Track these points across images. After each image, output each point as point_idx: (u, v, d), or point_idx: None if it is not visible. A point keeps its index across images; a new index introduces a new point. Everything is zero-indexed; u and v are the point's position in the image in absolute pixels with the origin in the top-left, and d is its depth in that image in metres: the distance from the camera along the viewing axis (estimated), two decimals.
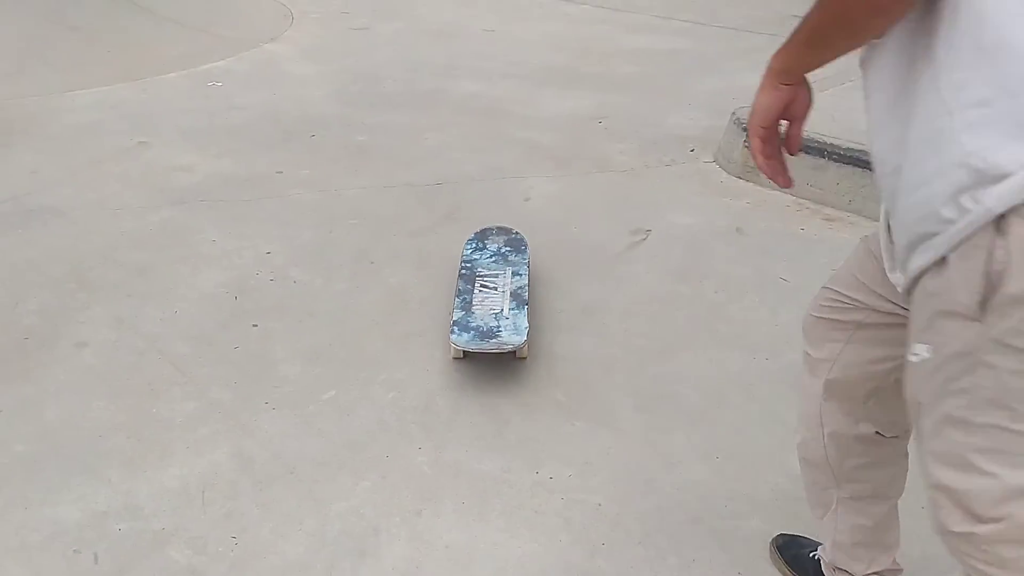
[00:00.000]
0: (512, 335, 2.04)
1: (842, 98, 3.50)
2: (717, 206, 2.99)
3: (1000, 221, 0.78)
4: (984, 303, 0.81)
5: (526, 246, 2.51)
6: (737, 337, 2.21)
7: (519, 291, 2.24)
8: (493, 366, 2.07)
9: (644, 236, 2.68)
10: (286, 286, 2.44)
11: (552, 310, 2.34)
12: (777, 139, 1.20)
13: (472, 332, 2.06)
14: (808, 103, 1.17)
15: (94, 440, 1.81)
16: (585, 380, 2.04)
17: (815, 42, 1.08)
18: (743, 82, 4.31)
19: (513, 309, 2.16)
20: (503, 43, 5.16)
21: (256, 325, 2.24)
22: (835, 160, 2.98)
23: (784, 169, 1.21)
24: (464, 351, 2.02)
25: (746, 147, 3.16)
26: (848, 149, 2.96)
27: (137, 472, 1.71)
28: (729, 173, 3.26)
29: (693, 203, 3.03)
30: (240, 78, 4.42)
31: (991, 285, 0.80)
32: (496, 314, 2.14)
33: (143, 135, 3.60)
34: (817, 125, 3.14)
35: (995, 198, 0.78)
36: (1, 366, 2.06)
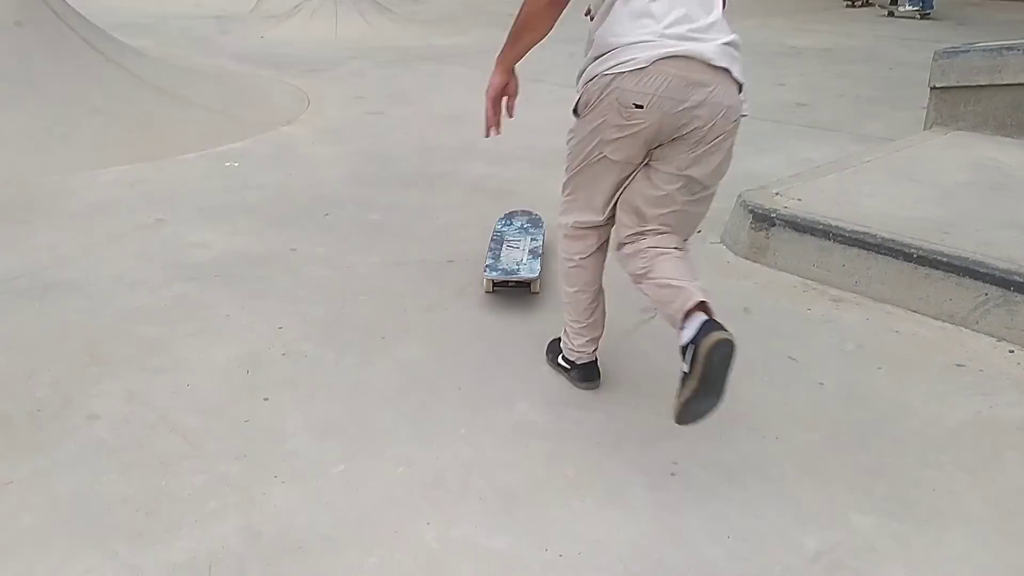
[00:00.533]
0: (528, 273, 2.92)
1: (845, 182, 3.58)
2: (724, 286, 3.02)
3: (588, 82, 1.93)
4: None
5: (543, 223, 3.41)
6: (746, 416, 2.21)
7: (535, 249, 3.14)
8: (502, 446, 2.07)
9: (653, 314, 2.71)
10: (297, 360, 2.47)
11: (561, 385, 2.35)
12: (500, 106, 2.31)
13: (499, 271, 2.91)
14: (517, 86, 2.29)
15: (103, 513, 1.81)
16: (594, 457, 2.04)
17: (514, 41, 2.16)
18: (747, 167, 4.42)
19: (529, 259, 3.04)
20: (513, 127, 5.22)
21: (267, 399, 2.26)
22: (840, 242, 3.02)
23: (498, 124, 2.33)
24: (494, 282, 2.88)
25: (752, 228, 3.22)
26: (853, 231, 3.00)
27: (145, 546, 1.71)
28: (736, 254, 3.31)
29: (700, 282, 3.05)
30: (257, 159, 4.53)
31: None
32: (518, 261, 3.02)
33: (161, 212, 3.68)
34: (821, 207, 3.21)
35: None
36: (12, 438, 2.07)
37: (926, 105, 4.45)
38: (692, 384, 1.73)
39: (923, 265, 2.81)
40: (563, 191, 2.24)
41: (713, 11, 1.96)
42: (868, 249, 2.94)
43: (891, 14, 11.10)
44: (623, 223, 2.08)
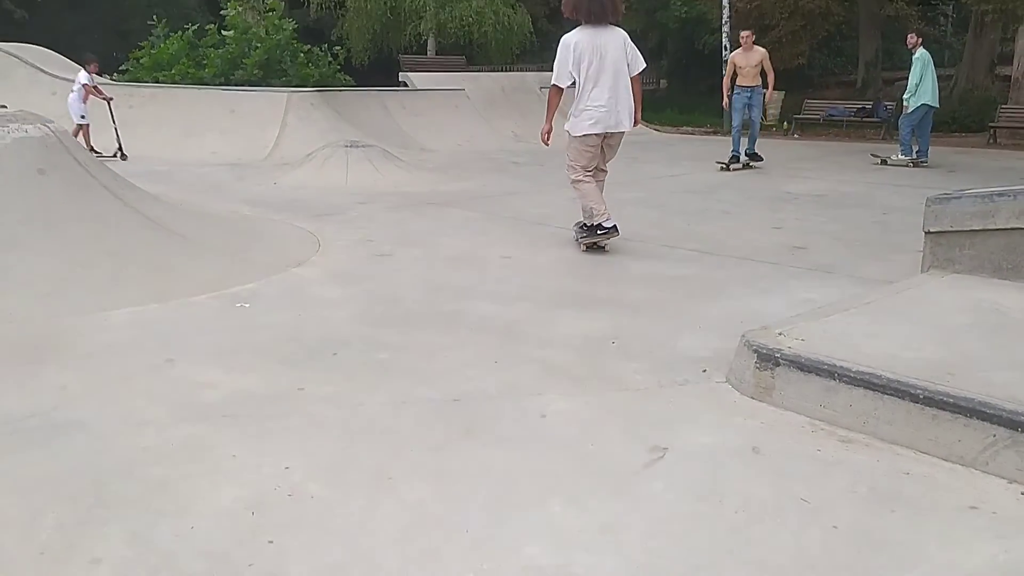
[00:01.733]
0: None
1: (847, 323, 3.63)
2: (732, 426, 3.02)
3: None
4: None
5: None
6: (762, 560, 2.17)
7: None
8: None
9: (661, 454, 2.70)
10: (303, 502, 2.44)
11: (571, 528, 2.31)
12: (547, 139, 6.02)
13: None
14: (551, 130, 6.00)
15: None
16: None
17: (548, 110, 6.01)
18: (750, 307, 4.50)
19: None
20: (519, 268, 5.41)
21: (272, 541, 2.22)
22: (846, 383, 3.03)
23: (547, 142, 6.05)
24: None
25: (757, 368, 3.25)
26: (858, 372, 3.02)
27: None
28: (742, 393, 3.32)
29: (708, 422, 3.06)
30: (267, 300, 4.62)
31: None
32: None
33: (171, 353, 3.72)
34: (825, 348, 3.24)
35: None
36: None
37: (922, 249, 4.56)
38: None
39: (930, 406, 2.82)
40: (568, 162, 5.91)
41: (620, 91, 5.67)
42: (874, 390, 2.95)
43: (884, 162, 11.50)
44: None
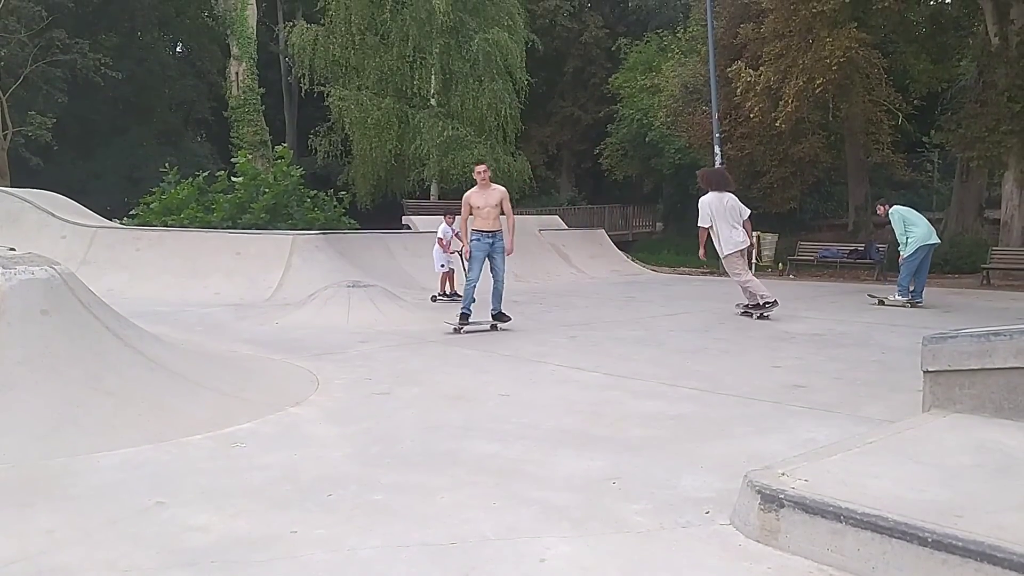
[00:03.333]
0: None
1: (850, 463, 3.58)
2: (739, 571, 2.93)
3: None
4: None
5: None
6: None
7: None
8: None
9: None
10: None
11: None
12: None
13: None
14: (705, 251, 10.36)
15: None
16: None
17: (700, 240, 10.29)
18: (752, 447, 4.45)
19: None
20: (518, 406, 5.38)
21: None
22: (852, 525, 2.96)
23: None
24: None
25: (761, 510, 3.18)
26: (864, 514, 2.95)
27: None
28: (747, 536, 3.23)
29: (714, 568, 2.97)
30: (263, 440, 4.57)
31: None
32: None
33: (162, 495, 3.65)
34: (829, 489, 3.19)
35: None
36: None
37: (922, 388, 4.55)
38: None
39: (939, 550, 2.74)
40: (734, 273, 10.20)
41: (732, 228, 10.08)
42: (881, 533, 2.88)
43: (881, 302, 11.62)
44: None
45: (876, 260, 17.19)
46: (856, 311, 10.99)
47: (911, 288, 11.52)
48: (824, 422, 4.99)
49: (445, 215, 12.47)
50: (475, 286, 8.82)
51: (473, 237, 8.93)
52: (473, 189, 9.02)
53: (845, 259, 18.03)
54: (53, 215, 13.73)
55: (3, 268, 4.87)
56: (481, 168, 9.16)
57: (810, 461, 3.60)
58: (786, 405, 5.44)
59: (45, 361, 4.81)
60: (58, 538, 3.17)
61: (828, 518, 3.03)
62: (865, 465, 3.55)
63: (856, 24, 17.54)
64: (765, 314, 9.82)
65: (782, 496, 3.17)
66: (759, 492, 3.24)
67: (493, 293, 9.13)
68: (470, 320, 8.78)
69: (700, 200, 10.23)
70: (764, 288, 10.00)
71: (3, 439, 4.23)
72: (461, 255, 9.76)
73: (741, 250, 10.05)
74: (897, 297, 11.51)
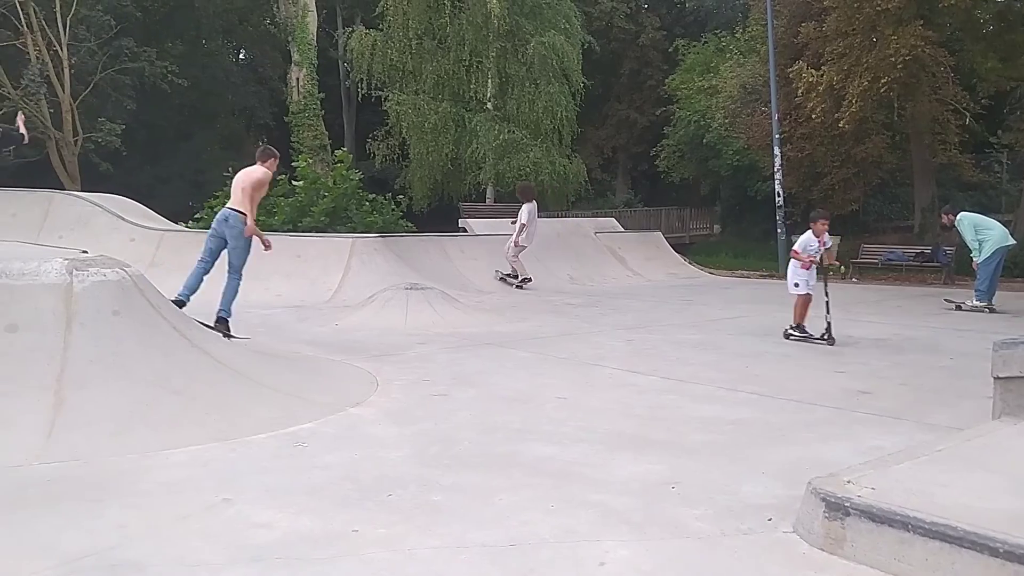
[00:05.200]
0: None
1: (918, 471, 3.50)
2: None
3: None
4: None
5: None
6: None
7: None
8: None
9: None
10: None
11: None
12: None
13: None
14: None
15: None
16: None
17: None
18: (815, 453, 4.38)
19: None
20: (575, 409, 5.37)
21: None
22: (920, 534, 2.90)
23: None
24: None
25: (826, 518, 3.12)
26: (933, 523, 2.88)
27: None
28: (811, 545, 3.18)
29: (775, 575, 2.92)
30: (325, 440, 4.64)
31: None
32: None
33: (228, 492, 3.74)
34: (896, 497, 3.12)
35: None
36: None
37: (992, 395, 4.42)
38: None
39: (1011, 561, 2.66)
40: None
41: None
42: (951, 543, 2.81)
43: (959, 307, 11.27)
44: None
45: (944, 263, 16.71)
46: (923, 315, 10.71)
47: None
48: (890, 429, 4.88)
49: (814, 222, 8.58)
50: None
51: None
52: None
53: (911, 262, 17.57)
54: (122, 218, 14.13)
55: (76, 270, 5.04)
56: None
57: (876, 469, 3.52)
58: (850, 411, 5.33)
59: (116, 360, 4.96)
60: (129, 533, 3.27)
61: (895, 527, 2.97)
62: (933, 473, 3.47)
63: (922, 22, 17.09)
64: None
65: (848, 504, 3.11)
66: (824, 500, 3.19)
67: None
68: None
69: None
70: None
71: (76, 436, 4.37)
72: None
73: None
74: (976, 302, 11.15)
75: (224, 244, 7.76)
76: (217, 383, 5.30)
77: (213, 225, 7.88)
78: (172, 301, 6.53)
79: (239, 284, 7.81)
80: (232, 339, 7.36)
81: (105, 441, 4.39)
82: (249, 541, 3.19)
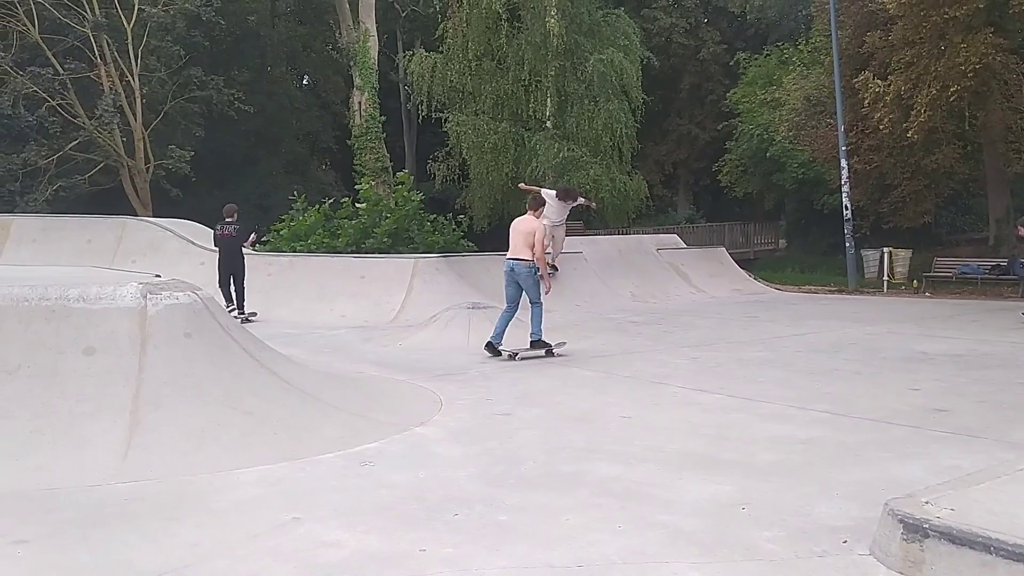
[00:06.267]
0: None
1: (999, 491, 3.37)
2: None
3: None
4: None
5: None
6: None
7: None
8: None
9: None
10: None
11: None
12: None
13: None
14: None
15: None
16: None
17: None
18: (891, 473, 4.25)
19: None
20: (640, 429, 5.31)
21: None
22: (1004, 557, 2.78)
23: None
24: None
25: (904, 540, 3.02)
26: (1016, 546, 2.77)
27: None
28: (888, 567, 3.08)
29: None
30: (391, 459, 4.68)
31: None
32: None
33: (297, 511, 3.79)
34: (977, 519, 3.00)
35: None
36: None
37: None
38: None
39: None
40: None
41: None
42: None
43: None
44: None
45: (1021, 276, 16.13)
46: (1000, 330, 10.33)
47: None
48: (969, 448, 4.71)
49: None
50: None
51: None
52: None
53: (986, 275, 17.00)
54: (193, 243, 14.55)
55: (150, 294, 5.19)
56: None
57: (956, 489, 3.40)
58: (926, 430, 5.16)
59: (188, 382, 5.08)
60: (202, 551, 3.33)
61: (977, 549, 2.86)
62: (1015, 494, 3.33)
63: (992, 29, 16.62)
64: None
65: (927, 526, 3.00)
66: (902, 521, 3.08)
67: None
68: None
69: None
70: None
71: (150, 456, 4.49)
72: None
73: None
74: None
75: (520, 289, 8.63)
76: (286, 403, 5.40)
77: (505, 274, 8.80)
78: (490, 344, 8.32)
79: (541, 311, 8.67)
80: (552, 350, 8.56)
81: (178, 461, 4.49)
82: (318, 560, 3.23)
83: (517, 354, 8.37)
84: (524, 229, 8.66)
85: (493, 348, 8.39)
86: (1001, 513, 3.07)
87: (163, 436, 4.67)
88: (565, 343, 8.87)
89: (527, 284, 8.52)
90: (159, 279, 5.89)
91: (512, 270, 8.59)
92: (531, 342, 8.56)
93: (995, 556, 2.80)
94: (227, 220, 12.23)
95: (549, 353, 8.49)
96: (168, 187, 25.12)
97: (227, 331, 5.69)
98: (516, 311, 8.66)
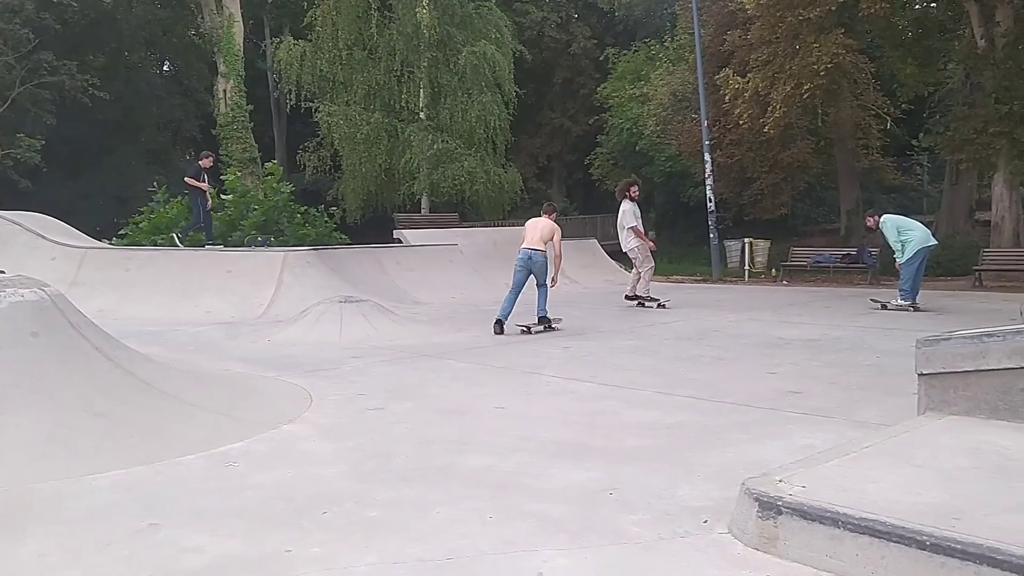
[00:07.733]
0: None
1: (847, 468, 3.57)
2: None
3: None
4: None
5: None
6: None
7: None
8: None
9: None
10: None
11: None
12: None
13: None
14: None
15: None
16: None
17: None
18: (749, 454, 4.43)
19: None
20: (513, 419, 5.35)
21: None
22: (850, 530, 2.94)
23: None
24: None
25: (759, 517, 3.16)
26: (862, 519, 2.93)
27: None
28: (746, 545, 3.21)
29: None
30: (257, 458, 4.53)
31: None
32: None
33: (155, 517, 3.61)
34: (827, 495, 3.17)
35: None
36: None
37: (917, 391, 4.54)
38: None
39: (938, 553, 2.72)
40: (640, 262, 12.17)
41: None
42: (879, 537, 2.86)
43: (884, 306, 11.61)
44: None
45: (869, 264, 17.22)
46: (850, 316, 10.99)
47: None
48: (820, 428, 4.98)
49: None
50: None
51: None
52: None
53: (838, 264, 18.06)
54: (43, 237, 13.67)
55: None
56: None
57: (807, 467, 3.58)
58: (782, 411, 5.43)
59: (36, 384, 4.77)
60: (51, 562, 3.13)
61: (826, 524, 3.01)
62: (862, 470, 3.54)
63: (842, 30, 17.64)
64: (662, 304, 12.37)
65: (780, 503, 3.15)
66: (757, 500, 3.22)
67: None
68: None
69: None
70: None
71: None
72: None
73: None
74: (900, 301, 11.50)
75: (528, 275, 9.87)
76: (143, 405, 5.13)
77: (518, 263, 9.90)
78: (498, 321, 9.57)
79: (547, 292, 10.00)
80: (551, 326, 9.89)
81: (26, 467, 4.21)
82: (177, 567, 3.08)
83: (530, 328, 9.61)
84: (544, 226, 9.96)
85: (500, 325, 9.55)
86: (849, 489, 3.25)
87: (8, 442, 4.35)
88: (561, 319, 9.91)
89: (540, 271, 9.84)
90: (3, 275, 5.50)
91: (530, 258, 9.79)
92: (539, 318, 9.80)
93: (843, 530, 2.96)
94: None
95: (550, 328, 9.80)
96: (17, 178, 23.58)
97: (78, 330, 5.36)
98: (520, 292, 9.86)
